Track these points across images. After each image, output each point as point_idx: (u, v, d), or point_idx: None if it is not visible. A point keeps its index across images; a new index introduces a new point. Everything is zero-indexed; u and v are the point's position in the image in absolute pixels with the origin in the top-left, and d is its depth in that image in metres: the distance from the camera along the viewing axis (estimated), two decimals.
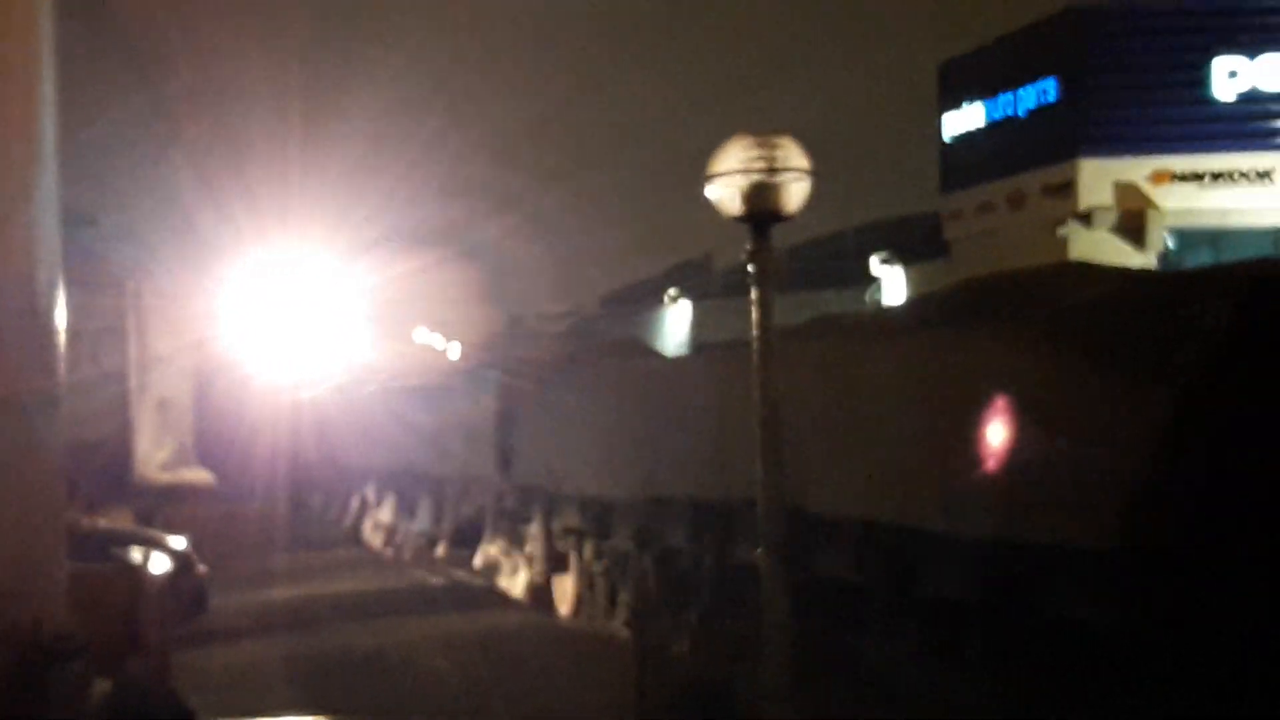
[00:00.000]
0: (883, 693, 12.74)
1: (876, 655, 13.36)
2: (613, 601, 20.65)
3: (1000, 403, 11.31)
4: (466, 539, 28.12)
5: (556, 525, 23.32)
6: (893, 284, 43.83)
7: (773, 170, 11.71)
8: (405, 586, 26.47)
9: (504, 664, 18.54)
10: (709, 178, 11.74)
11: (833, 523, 14.31)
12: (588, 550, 21.73)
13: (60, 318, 9.49)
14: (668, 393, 18.75)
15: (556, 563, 23.23)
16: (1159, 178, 35.66)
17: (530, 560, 24.38)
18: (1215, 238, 34.22)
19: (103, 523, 20.08)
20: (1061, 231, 36.07)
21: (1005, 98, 39.41)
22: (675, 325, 54.19)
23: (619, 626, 19.39)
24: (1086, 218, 35.79)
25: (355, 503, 36.52)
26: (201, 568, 21.01)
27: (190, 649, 17.18)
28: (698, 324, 51.49)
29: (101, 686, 9.91)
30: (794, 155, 11.77)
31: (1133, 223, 35.46)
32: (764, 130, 11.84)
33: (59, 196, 9.58)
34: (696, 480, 17.15)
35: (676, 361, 21.61)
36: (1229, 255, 31.93)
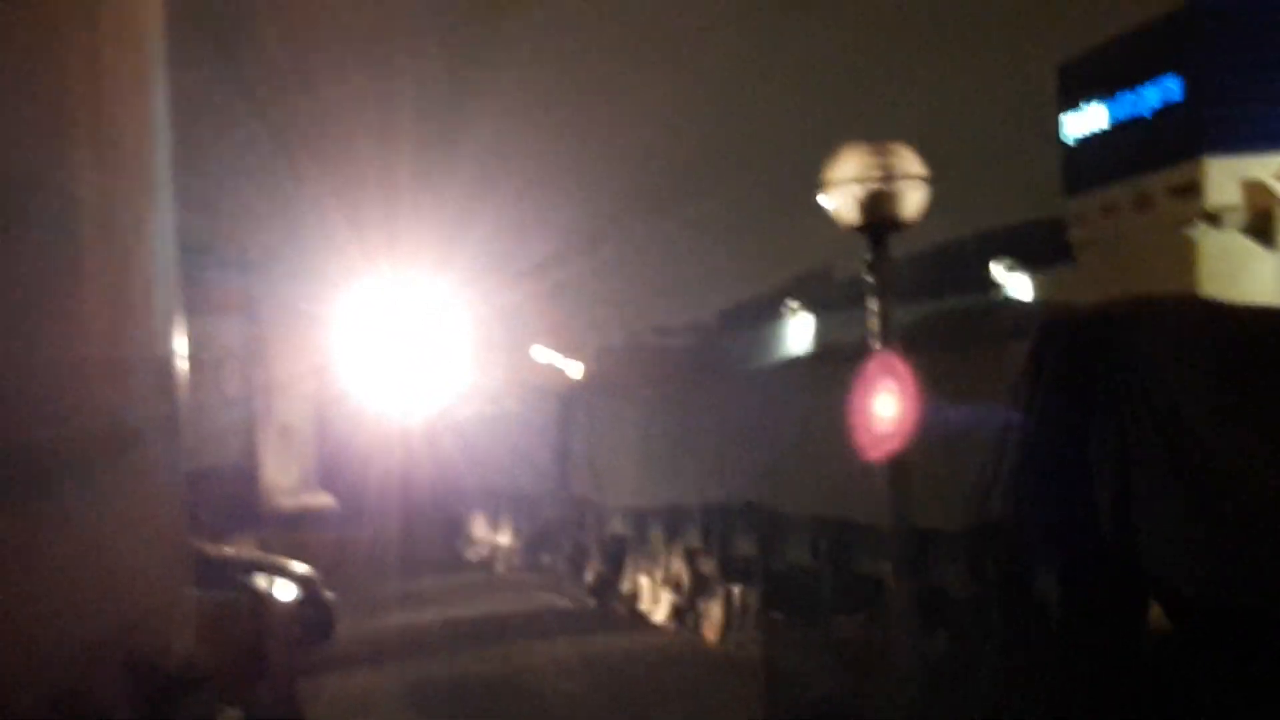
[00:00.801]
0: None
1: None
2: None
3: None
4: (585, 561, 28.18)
5: (689, 546, 23.33)
6: (1017, 290, 43.58)
7: (888, 178, 11.69)
8: (532, 609, 26.53)
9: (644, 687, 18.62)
10: (824, 186, 11.73)
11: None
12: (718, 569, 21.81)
13: (181, 346, 9.58)
14: (780, 407, 18.86)
15: (700, 587, 23.21)
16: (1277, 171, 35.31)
17: (671, 584, 24.38)
18: None
19: (229, 550, 20.26)
20: (1188, 232, 35.78)
21: (1127, 97, 39.12)
22: (797, 337, 54.08)
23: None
24: (1214, 218, 35.48)
25: (473, 526, 36.65)
26: (328, 594, 21.15)
27: (317, 676, 17.29)
28: (820, 335, 51.34)
29: (229, 715, 9.98)
30: (910, 162, 11.74)
31: (1262, 222, 35.12)
32: (879, 138, 11.83)
33: (176, 228, 9.70)
34: (815, 497, 17.18)
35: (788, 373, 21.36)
36: None
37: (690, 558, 23.24)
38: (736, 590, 21.25)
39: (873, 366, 11.70)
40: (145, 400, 9.27)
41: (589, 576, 27.85)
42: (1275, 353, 11.56)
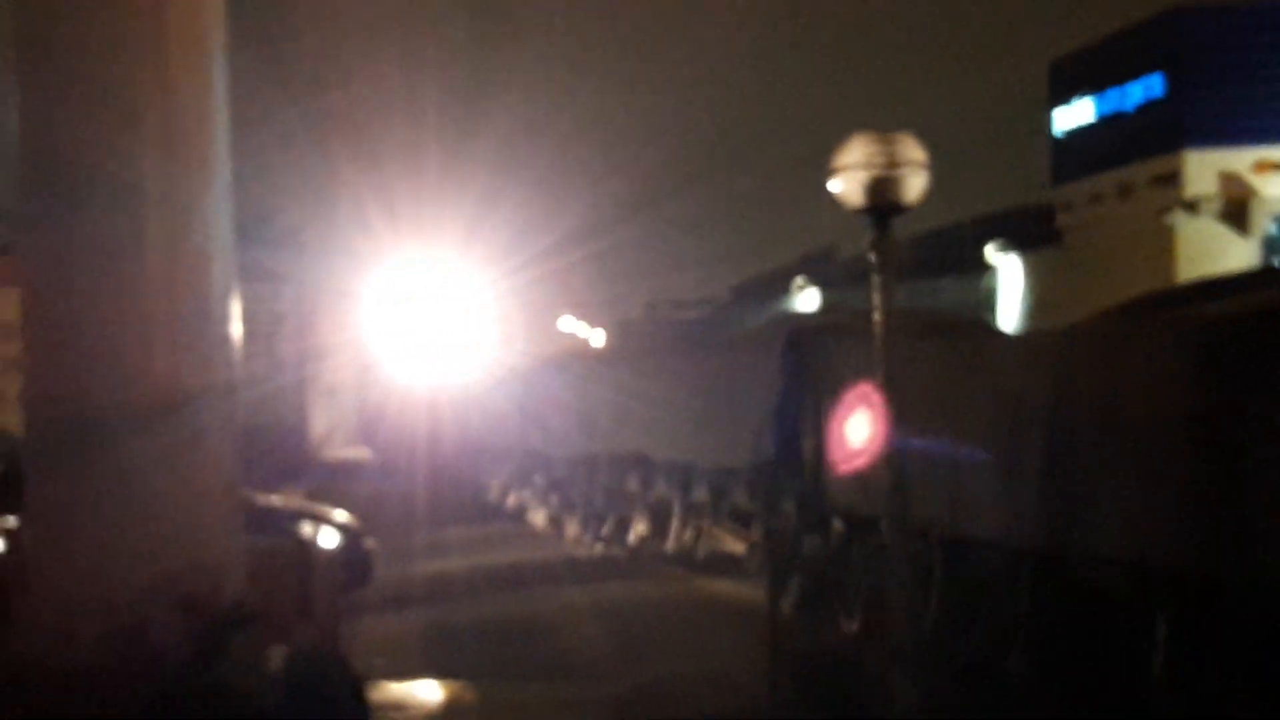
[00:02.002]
0: None
1: None
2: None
3: None
4: (604, 514, 28.24)
5: (694, 499, 23.51)
6: (1008, 271, 43.54)
7: (892, 165, 11.68)
8: (554, 558, 26.55)
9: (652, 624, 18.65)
10: (832, 172, 11.73)
11: None
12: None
13: (235, 315, 9.60)
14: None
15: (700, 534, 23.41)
16: (1261, 167, 35.29)
17: (678, 532, 24.49)
18: None
19: (278, 500, 20.26)
20: (1168, 219, 35.77)
21: (1113, 93, 39.15)
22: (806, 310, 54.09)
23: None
24: (1192, 206, 35.49)
25: (500, 480, 36.66)
26: (369, 541, 21.15)
27: (357, 617, 17.30)
28: (824, 310, 51.38)
29: (276, 652, 9.98)
30: (912, 150, 11.75)
31: (1236, 210, 35.12)
32: (884, 128, 11.82)
33: (232, 207, 9.71)
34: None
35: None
36: None
37: (696, 512, 23.45)
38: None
39: (851, 395, 11.82)
40: (203, 364, 9.35)
41: (604, 527, 28.03)
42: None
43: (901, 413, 11.65)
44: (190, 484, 9.24)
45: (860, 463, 11.84)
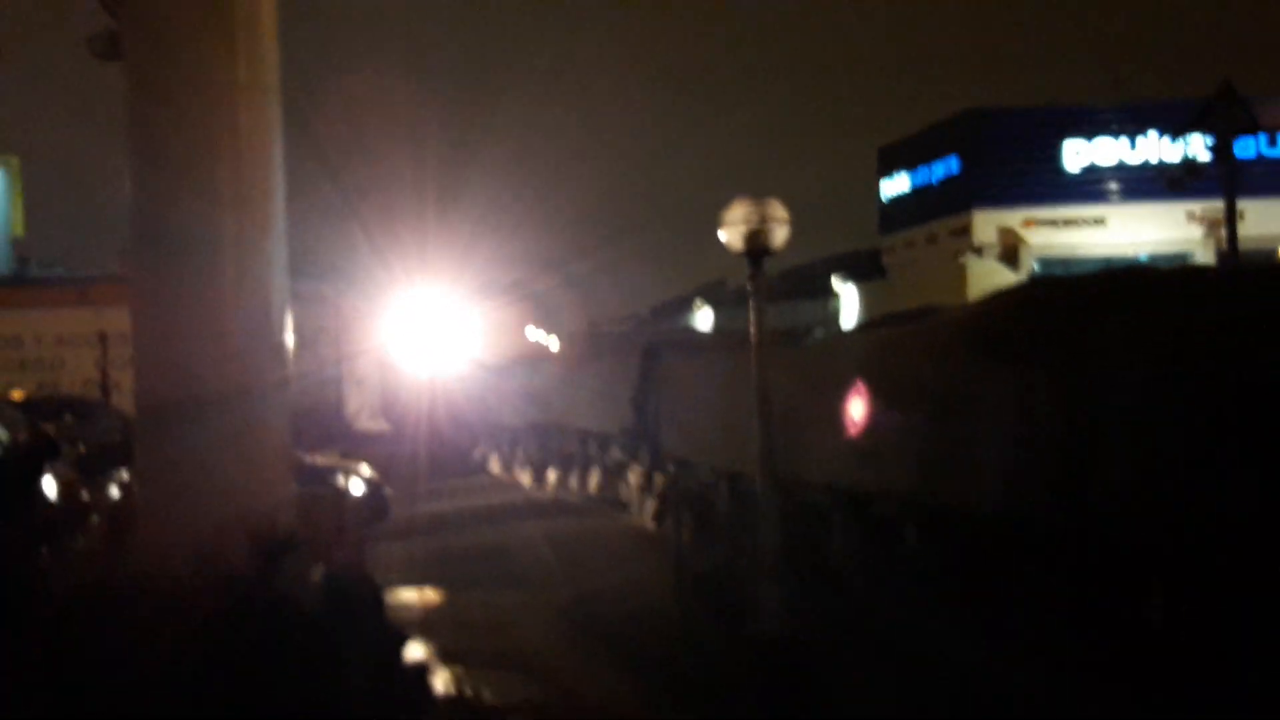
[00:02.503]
0: None
1: None
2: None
3: None
4: (551, 467, 28.28)
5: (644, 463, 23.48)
6: (848, 296, 43.72)
7: (763, 220, 11.78)
8: (517, 500, 26.56)
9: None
10: (721, 224, 11.82)
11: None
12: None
13: (289, 324, 9.63)
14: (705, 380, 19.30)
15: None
16: (1028, 223, 35.64)
17: (600, 481, 24.55)
18: (1067, 264, 34.18)
19: (320, 459, 20.15)
20: (961, 260, 36.03)
21: (924, 170, 39.41)
22: (701, 327, 54.12)
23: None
24: (979, 251, 35.77)
25: (482, 445, 36.55)
26: (386, 489, 21.06)
27: (377, 545, 17.28)
28: (717, 326, 51.47)
29: (317, 570, 10.00)
30: (777, 210, 11.86)
31: (1010, 253, 35.45)
32: (758, 193, 11.94)
33: (285, 248, 9.70)
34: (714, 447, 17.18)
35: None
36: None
37: (625, 469, 23.41)
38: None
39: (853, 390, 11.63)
40: (263, 365, 9.47)
41: (549, 477, 28.05)
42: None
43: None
44: (254, 449, 9.30)
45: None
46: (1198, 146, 34.70)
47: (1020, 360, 9.32)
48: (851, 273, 43.63)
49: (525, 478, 30.02)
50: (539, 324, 55.32)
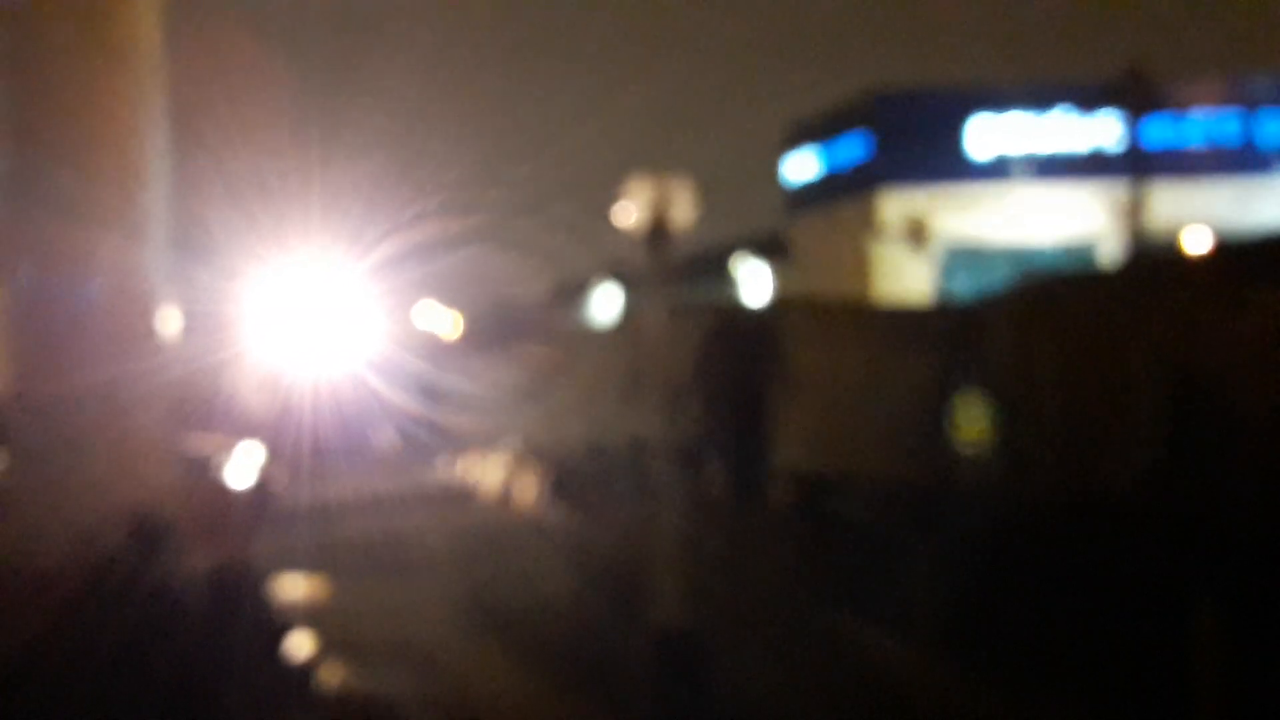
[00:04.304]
0: None
1: None
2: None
3: None
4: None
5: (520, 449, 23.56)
6: (755, 276, 43.80)
7: (665, 199, 11.78)
8: (405, 486, 26.54)
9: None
10: (620, 202, 11.80)
11: None
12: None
13: (171, 307, 9.58)
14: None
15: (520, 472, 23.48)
16: (930, 204, 36.02)
17: (502, 469, 24.56)
18: (975, 256, 34.56)
19: (204, 445, 19.89)
20: (866, 241, 36.36)
21: (829, 149, 39.69)
22: (605, 308, 53.99)
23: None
24: (884, 235, 36.10)
25: (371, 434, 36.20)
26: (275, 475, 20.82)
27: (264, 531, 17.10)
28: (628, 308, 51.40)
29: (198, 559, 9.95)
30: (683, 189, 11.84)
31: (914, 237, 35.82)
32: (662, 169, 11.92)
33: (169, 222, 9.60)
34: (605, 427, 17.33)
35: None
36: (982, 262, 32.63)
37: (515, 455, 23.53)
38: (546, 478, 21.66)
39: None
40: (142, 350, 9.48)
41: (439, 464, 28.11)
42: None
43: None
44: (132, 437, 9.27)
45: None
46: (1109, 127, 35.35)
47: None
48: (763, 252, 43.75)
49: (428, 466, 29.95)
50: (443, 299, 54.74)
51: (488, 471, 25.28)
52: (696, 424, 13.91)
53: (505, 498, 23.37)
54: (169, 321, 9.56)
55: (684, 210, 11.90)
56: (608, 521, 16.89)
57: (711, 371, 14.72)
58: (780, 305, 13.83)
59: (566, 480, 19.79)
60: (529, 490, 22.19)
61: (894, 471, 10.49)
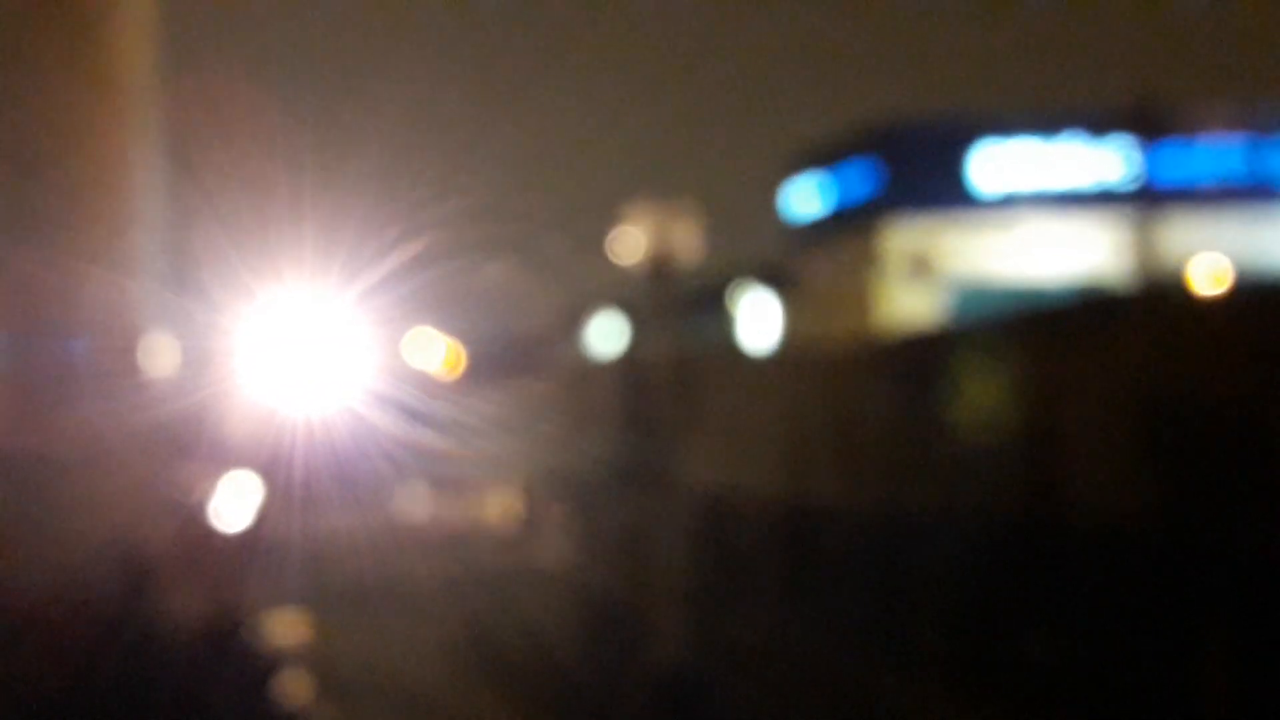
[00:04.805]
0: None
1: None
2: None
3: None
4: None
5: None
6: (760, 307, 43.66)
7: (666, 228, 11.71)
8: (411, 527, 26.44)
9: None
10: (619, 231, 11.76)
11: None
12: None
13: (164, 343, 9.55)
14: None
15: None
16: (936, 235, 35.98)
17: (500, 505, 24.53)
18: (982, 292, 34.51)
19: (196, 482, 19.77)
20: (873, 274, 36.32)
21: (835, 179, 39.68)
22: (606, 340, 53.86)
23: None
24: (888, 266, 36.08)
25: (362, 472, 36.27)
26: (267, 515, 20.70)
27: (255, 570, 16.94)
28: (633, 342, 51.20)
29: (187, 598, 9.89)
30: (686, 217, 11.76)
31: (920, 269, 35.80)
32: (666, 198, 11.86)
33: (161, 255, 9.57)
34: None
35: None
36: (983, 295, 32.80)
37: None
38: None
39: None
40: (130, 389, 9.41)
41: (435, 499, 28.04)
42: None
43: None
44: (119, 476, 9.19)
45: None
46: (1118, 156, 35.35)
47: None
48: (770, 281, 43.64)
49: (423, 501, 29.87)
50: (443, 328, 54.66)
51: (486, 507, 25.20)
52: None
53: (503, 533, 23.30)
54: (159, 357, 9.51)
55: (687, 238, 11.81)
56: (601, 555, 16.80)
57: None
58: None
59: (563, 514, 19.74)
60: (526, 525, 22.12)
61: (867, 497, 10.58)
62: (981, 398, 9.76)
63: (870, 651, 10.61)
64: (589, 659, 12.74)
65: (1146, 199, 34.25)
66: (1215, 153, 35.26)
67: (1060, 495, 8.81)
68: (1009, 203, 35.70)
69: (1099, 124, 35.21)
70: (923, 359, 10.98)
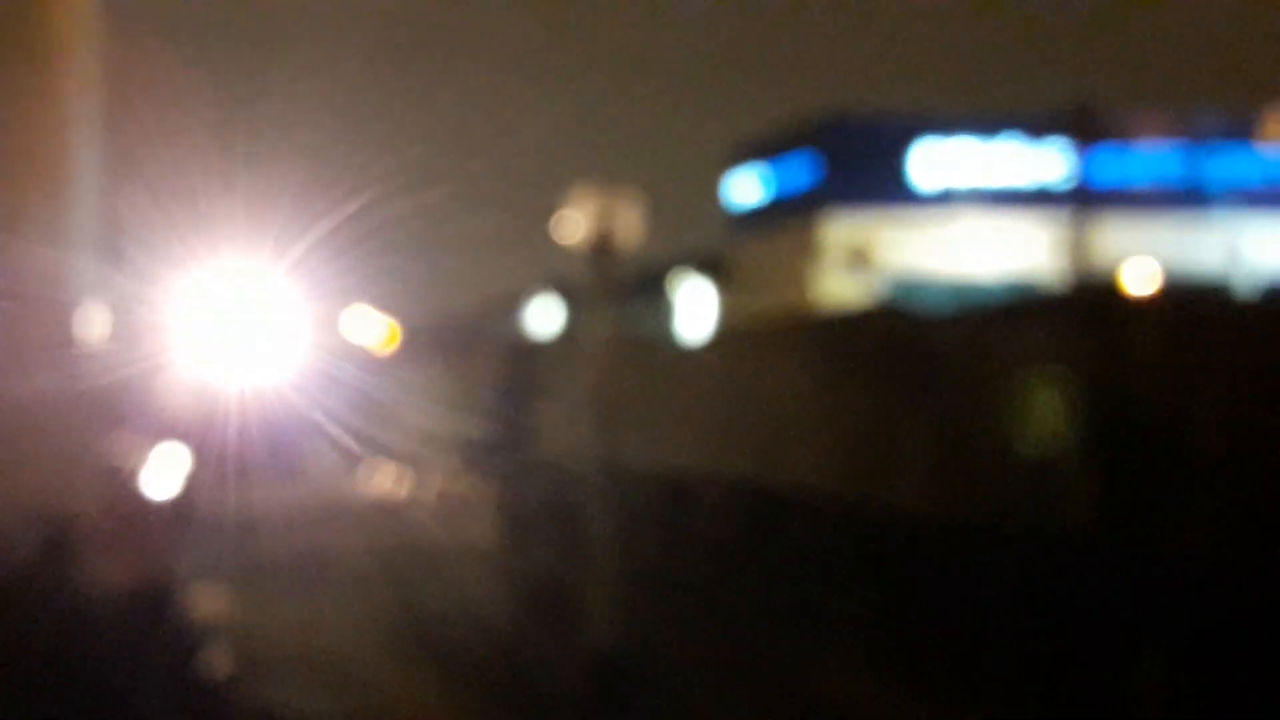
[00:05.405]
0: None
1: None
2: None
3: None
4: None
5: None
6: (697, 294, 43.81)
7: (610, 213, 11.65)
8: (345, 503, 26.33)
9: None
10: (562, 213, 11.68)
11: None
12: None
13: (97, 311, 9.44)
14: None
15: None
16: (873, 229, 36.18)
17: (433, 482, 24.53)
18: (916, 288, 34.73)
19: (126, 453, 19.57)
20: (809, 263, 36.47)
21: (776, 170, 39.78)
22: (543, 322, 53.83)
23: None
24: (824, 254, 36.24)
25: (299, 445, 36.07)
26: (196, 482, 20.50)
27: (185, 542, 16.80)
28: (570, 324, 51.21)
29: (114, 569, 9.78)
30: (626, 203, 11.71)
31: (855, 259, 36.00)
32: (607, 183, 11.79)
33: (95, 223, 9.44)
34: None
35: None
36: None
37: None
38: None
39: None
40: (61, 358, 9.29)
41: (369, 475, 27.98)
42: None
43: None
44: (48, 445, 9.08)
45: None
46: (1056, 157, 35.65)
47: None
48: (704, 268, 43.75)
49: (356, 477, 29.75)
50: (379, 306, 54.33)
51: (418, 484, 25.10)
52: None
53: (436, 511, 23.20)
54: (92, 328, 9.39)
55: (630, 224, 11.77)
56: (535, 531, 16.79)
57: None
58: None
59: (496, 490, 19.75)
60: (460, 503, 22.07)
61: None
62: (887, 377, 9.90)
63: (798, 625, 10.69)
64: (520, 634, 12.74)
65: (1082, 200, 34.59)
66: (1151, 158, 35.62)
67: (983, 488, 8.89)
68: (947, 199, 35.94)
69: (1038, 126, 35.50)
70: (842, 338, 11.09)
